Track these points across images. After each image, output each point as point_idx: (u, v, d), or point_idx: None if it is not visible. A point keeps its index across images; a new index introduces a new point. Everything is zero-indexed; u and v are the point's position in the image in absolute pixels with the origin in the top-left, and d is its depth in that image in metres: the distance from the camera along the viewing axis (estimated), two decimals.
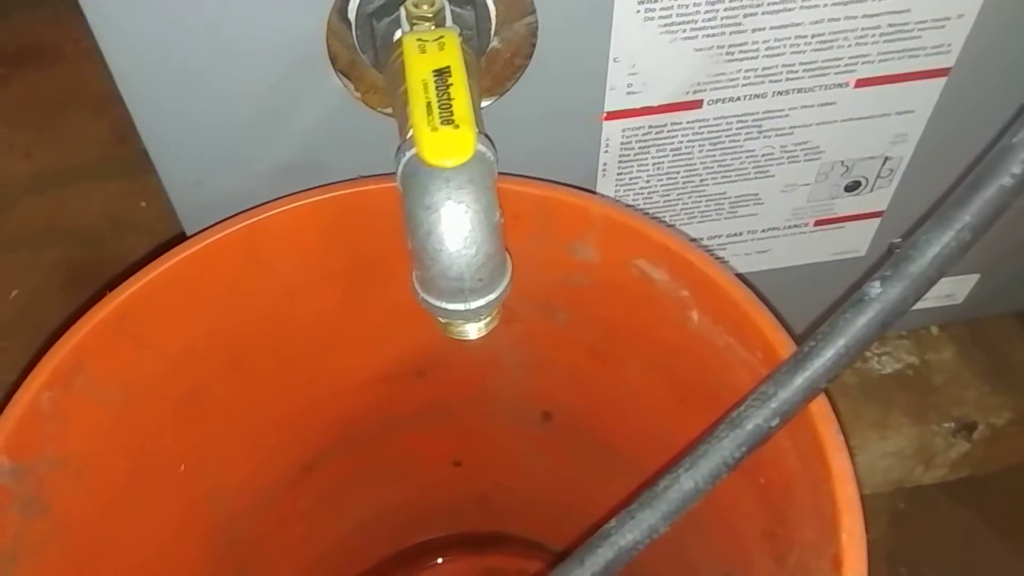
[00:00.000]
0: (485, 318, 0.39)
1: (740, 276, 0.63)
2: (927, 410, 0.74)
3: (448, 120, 0.32)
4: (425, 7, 0.39)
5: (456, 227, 0.36)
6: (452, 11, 0.42)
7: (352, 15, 0.43)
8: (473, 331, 0.40)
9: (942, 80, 0.54)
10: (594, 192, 0.47)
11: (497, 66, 0.48)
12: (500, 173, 0.45)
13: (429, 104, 0.32)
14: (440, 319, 0.39)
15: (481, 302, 0.38)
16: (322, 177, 0.47)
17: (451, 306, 0.38)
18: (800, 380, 0.36)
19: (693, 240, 0.44)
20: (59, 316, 0.47)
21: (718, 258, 0.63)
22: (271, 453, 0.53)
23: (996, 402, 0.74)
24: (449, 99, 0.33)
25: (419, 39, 0.35)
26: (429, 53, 0.34)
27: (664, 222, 0.58)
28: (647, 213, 0.58)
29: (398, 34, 0.41)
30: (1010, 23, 0.51)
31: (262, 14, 0.42)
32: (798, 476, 0.41)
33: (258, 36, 0.43)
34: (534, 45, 0.46)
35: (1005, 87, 0.55)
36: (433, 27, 0.38)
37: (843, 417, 0.73)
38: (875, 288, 0.35)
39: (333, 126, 0.48)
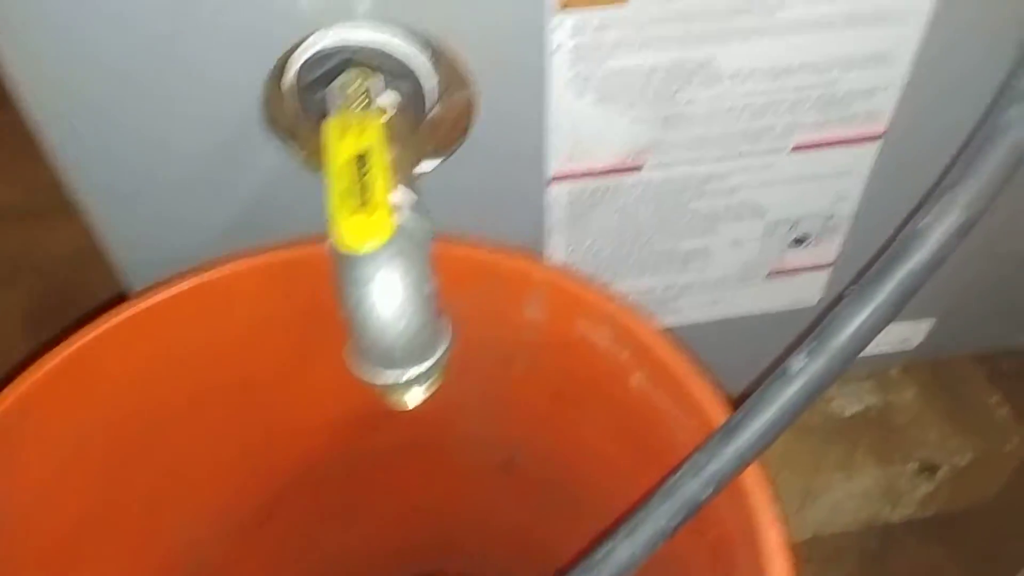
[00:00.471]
0: (422, 385, 0.41)
1: (694, 327, 0.65)
2: (891, 451, 0.75)
3: (365, 204, 0.35)
4: (354, 86, 0.42)
5: (385, 300, 0.38)
6: (388, 83, 0.45)
7: (292, 82, 0.46)
8: (411, 400, 0.42)
9: (876, 143, 0.56)
10: (538, 254, 0.49)
11: (442, 130, 0.51)
12: (445, 235, 0.48)
13: (346, 190, 0.35)
14: (376, 389, 0.41)
15: (414, 373, 0.40)
16: (270, 233, 0.49)
17: (383, 378, 0.40)
18: (730, 451, 0.38)
19: (635, 303, 0.45)
20: (21, 354, 0.49)
21: (668, 310, 0.65)
22: (230, 496, 0.55)
23: (957, 443, 0.76)
24: (366, 183, 0.35)
25: (341, 122, 0.38)
26: (350, 137, 0.37)
27: (606, 285, 0.60)
28: (598, 268, 0.61)
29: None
30: (936, 92, 0.53)
31: (204, 74, 0.44)
32: (738, 541, 0.43)
33: (200, 96, 0.45)
34: (474, 113, 0.49)
35: (938, 145, 0.56)
36: (361, 106, 0.41)
37: (808, 458, 0.75)
38: (799, 362, 0.37)
39: (279, 185, 0.50)
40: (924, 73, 0.52)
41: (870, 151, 0.56)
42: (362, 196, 0.34)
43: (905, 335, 0.74)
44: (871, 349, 0.78)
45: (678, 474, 0.38)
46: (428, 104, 0.48)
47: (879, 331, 0.36)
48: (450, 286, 0.49)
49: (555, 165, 0.53)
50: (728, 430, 0.37)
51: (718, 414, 0.40)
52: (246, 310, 0.49)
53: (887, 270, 0.35)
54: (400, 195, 0.41)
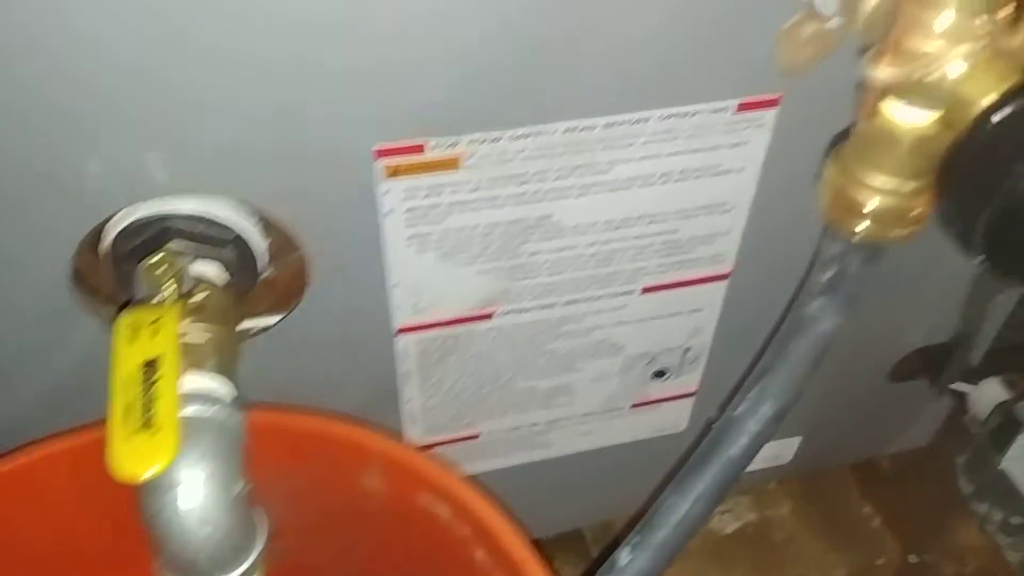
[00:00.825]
0: None
1: (566, 458, 0.64)
2: (768, 570, 0.75)
3: (148, 424, 0.32)
4: (162, 268, 0.40)
5: (187, 507, 0.36)
6: (213, 251, 0.43)
7: (107, 253, 0.43)
8: None
9: (724, 283, 0.56)
10: (373, 424, 0.48)
11: (279, 289, 0.49)
12: (280, 406, 0.46)
13: (129, 406, 0.33)
14: None
15: None
16: (91, 407, 0.46)
17: None
18: None
19: (474, 478, 0.44)
20: None
21: (538, 444, 0.64)
22: None
23: (833, 559, 0.76)
24: (153, 398, 0.33)
25: (132, 323, 0.35)
26: (141, 341, 0.34)
27: (445, 459, 0.59)
28: (459, 410, 0.59)
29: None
30: (776, 230, 0.54)
31: (18, 242, 0.42)
32: None
33: (15, 264, 0.43)
34: (308, 273, 0.47)
35: (785, 277, 0.57)
36: (168, 291, 0.39)
37: None
38: (625, 557, 0.36)
39: (96, 355, 0.48)
40: (763, 215, 0.53)
41: (719, 288, 0.57)
42: (145, 414, 0.32)
43: (775, 452, 0.75)
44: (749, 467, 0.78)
45: None
46: (260, 266, 0.47)
47: (704, 520, 0.36)
48: (285, 459, 0.47)
49: (400, 318, 0.52)
50: None
51: None
52: (57, 498, 0.45)
53: (706, 461, 0.35)
54: (212, 386, 0.39)
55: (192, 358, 0.39)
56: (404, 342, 0.53)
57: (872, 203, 0.28)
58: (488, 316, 0.54)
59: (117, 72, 0.36)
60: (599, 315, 0.56)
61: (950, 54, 0.24)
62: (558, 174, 0.47)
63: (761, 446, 0.35)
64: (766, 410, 0.33)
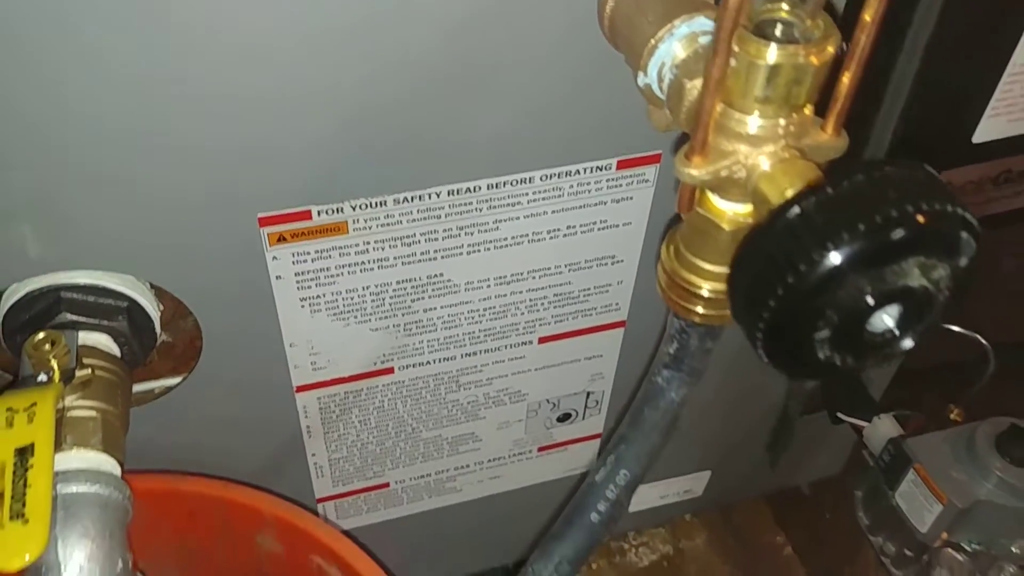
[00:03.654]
0: None
1: (476, 502, 0.65)
2: None
3: (19, 514, 0.33)
4: (46, 347, 0.40)
5: None
6: (99, 329, 0.44)
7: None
8: None
9: (620, 330, 0.58)
10: (268, 490, 0.48)
11: (177, 350, 0.50)
12: (175, 473, 0.46)
13: (1, 495, 0.33)
14: None
15: None
16: None
17: None
18: None
19: (359, 543, 0.45)
20: None
21: (448, 490, 0.65)
22: None
23: None
24: (25, 487, 0.33)
25: (9, 408, 0.36)
26: (16, 427, 0.35)
27: (334, 524, 0.61)
28: (365, 462, 0.60)
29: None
30: None
31: None
32: None
33: None
34: (203, 337, 0.48)
35: None
36: (52, 370, 0.39)
37: None
38: None
39: None
40: (653, 264, 0.54)
41: (617, 335, 0.58)
42: (15, 505, 0.32)
43: (687, 486, 0.76)
44: (660, 500, 0.80)
45: None
46: (156, 331, 0.47)
47: None
48: (184, 522, 0.48)
49: (298, 377, 0.52)
50: None
51: None
52: None
53: (567, 527, 0.36)
54: (96, 463, 0.39)
55: (78, 435, 0.40)
56: (304, 399, 0.54)
57: (704, 289, 0.29)
58: (389, 371, 0.54)
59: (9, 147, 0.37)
60: (499, 365, 0.57)
61: (755, 154, 0.26)
62: (446, 234, 0.48)
63: (620, 512, 0.36)
64: (621, 478, 0.35)
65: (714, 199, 0.28)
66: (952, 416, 0.66)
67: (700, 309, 0.30)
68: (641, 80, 0.30)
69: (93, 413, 0.40)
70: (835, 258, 0.21)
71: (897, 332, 0.23)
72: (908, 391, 0.74)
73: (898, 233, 0.21)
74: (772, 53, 0.24)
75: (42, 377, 0.39)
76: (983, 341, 0.62)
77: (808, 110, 0.26)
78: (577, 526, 0.36)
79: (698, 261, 0.29)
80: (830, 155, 0.27)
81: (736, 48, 0.24)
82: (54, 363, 0.39)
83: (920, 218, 0.21)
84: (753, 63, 0.24)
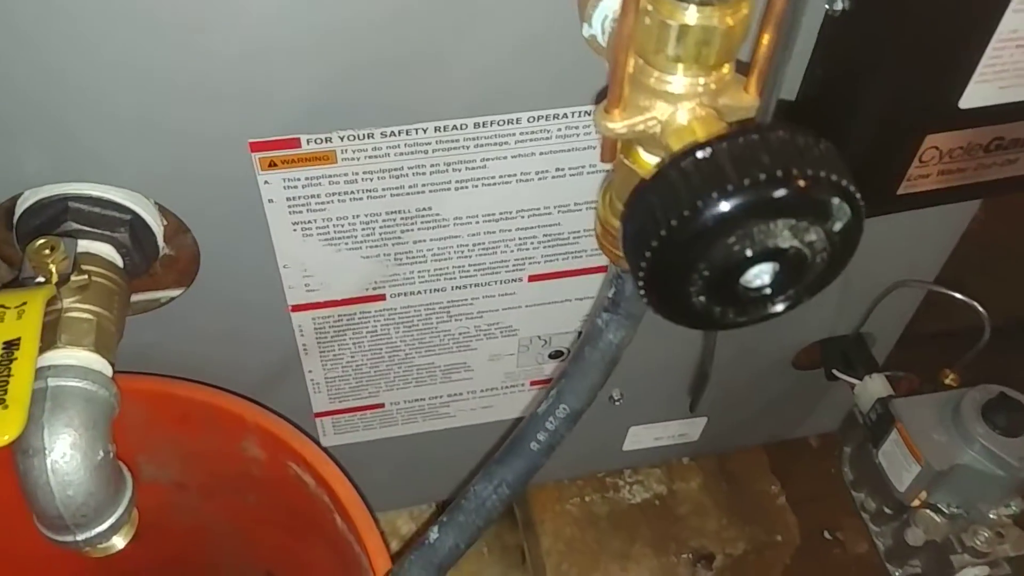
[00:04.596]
0: (105, 543, 0.43)
1: (468, 428, 0.67)
2: (668, 541, 0.79)
3: (0, 400, 0.36)
4: (46, 252, 0.43)
5: (49, 471, 0.39)
6: (103, 239, 0.47)
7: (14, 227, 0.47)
8: (104, 552, 0.43)
9: None
10: (253, 400, 0.51)
11: (179, 264, 0.52)
12: (170, 378, 0.49)
13: None
14: None
15: (89, 535, 0.41)
16: None
17: (60, 539, 0.41)
18: None
19: (328, 453, 0.48)
20: None
21: (441, 415, 0.68)
22: None
23: (733, 533, 0.79)
24: (8, 376, 0.36)
25: (1, 306, 0.39)
26: (6, 322, 0.38)
27: (331, 438, 0.63)
28: (360, 382, 0.63)
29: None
30: None
31: None
32: None
33: None
34: (201, 253, 0.51)
35: None
36: (47, 274, 0.42)
37: (589, 548, 0.78)
38: (433, 534, 0.40)
39: None
40: None
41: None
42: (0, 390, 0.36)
43: (683, 430, 0.78)
44: (656, 442, 0.82)
45: None
46: (159, 242, 0.50)
47: (507, 503, 0.39)
48: (178, 422, 0.51)
49: (292, 297, 0.55)
50: None
51: (382, 571, 0.43)
52: None
53: (510, 452, 0.38)
54: (87, 363, 0.42)
55: (72, 334, 0.43)
56: (299, 319, 0.57)
57: None
58: (381, 298, 0.57)
59: (20, 69, 0.39)
60: (489, 300, 0.59)
61: (671, 111, 0.27)
62: (433, 169, 0.49)
63: (558, 442, 0.38)
64: (561, 412, 0.37)
65: (640, 151, 0.29)
66: (947, 381, 0.66)
67: None
68: (586, 31, 0.31)
69: (88, 316, 0.44)
70: (708, 214, 0.22)
71: (771, 291, 0.24)
72: (913, 354, 0.74)
73: (766, 193, 0.22)
74: (684, 13, 0.25)
75: (39, 279, 0.43)
76: (980, 309, 0.61)
77: (727, 69, 0.27)
78: (517, 453, 0.38)
79: None
80: (748, 115, 0.28)
81: (650, 7, 0.25)
82: (52, 267, 0.42)
83: (790, 181, 0.22)
84: (664, 23, 0.25)
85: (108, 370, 0.44)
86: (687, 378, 0.70)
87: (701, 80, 0.27)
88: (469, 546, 0.39)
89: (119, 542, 0.44)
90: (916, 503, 0.63)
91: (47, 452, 0.40)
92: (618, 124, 0.27)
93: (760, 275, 0.24)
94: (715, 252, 0.23)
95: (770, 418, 0.80)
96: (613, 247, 0.32)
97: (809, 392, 0.78)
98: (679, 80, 0.27)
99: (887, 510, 0.66)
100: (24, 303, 0.39)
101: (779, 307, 0.24)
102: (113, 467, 0.43)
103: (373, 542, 0.44)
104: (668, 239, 0.23)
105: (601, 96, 0.32)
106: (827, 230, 0.23)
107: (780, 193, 0.22)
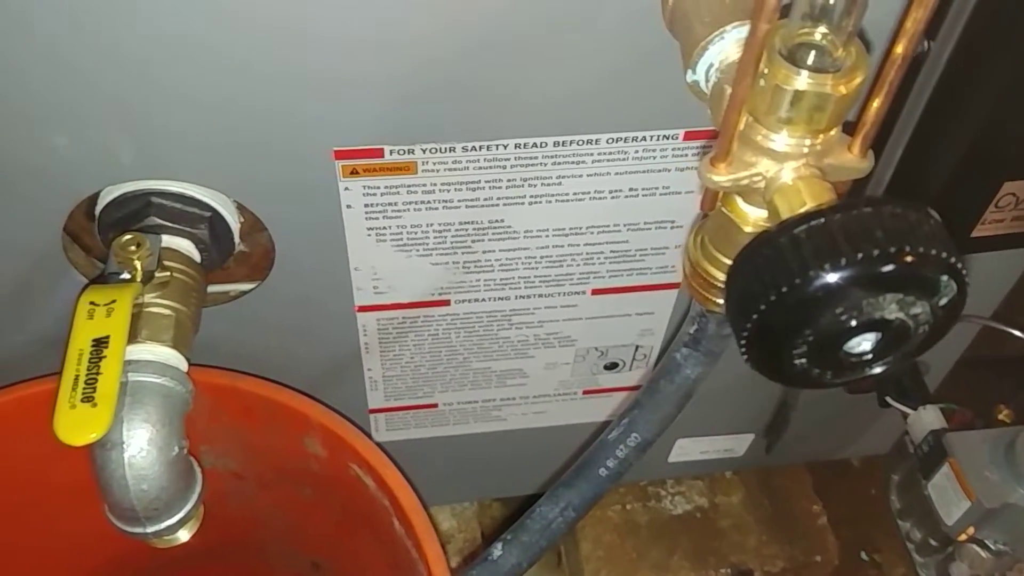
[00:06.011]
0: (172, 535, 0.44)
1: (518, 432, 0.68)
2: (707, 555, 0.79)
3: (89, 398, 0.37)
4: (132, 248, 0.44)
5: (126, 465, 0.41)
6: (183, 234, 0.48)
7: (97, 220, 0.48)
8: (169, 544, 0.45)
9: (674, 291, 0.59)
10: (315, 399, 0.52)
11: (252, 260, 0.54)
12: (236, 373, 0.51)
13: (76, 378, 0.37)
14: None
15: (159, 527, 0.43)
16: None
17: (130, 530, 0.42)
18: None
19: (391, 459, 0.49)
20: None
21: (493, 418, 0.69)
22: None
23: (772, 551, 0.80)
24: (97, 373, 0.37)
25: (91, 301, 0.40)
26: (96, 319, 0.39)
27: (384, 434, 0.64)
28: (417, 382, 0.64)
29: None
30: None
31: (8, 206, 0.47)
32: None
33: (7, 224, 0.48)
34: (275, 251, 0.52)
35: None
36: (132, 271, 0.43)
37: (628, 556, 0.78)
38: (496, 551, 0.41)
39: None
40: None
41: (669, 296, 0.60)
42: (86, 389, 0.37)
43: (729, 445, 0.78)
44: (701, 456, 0.82)
45: None
46: (234, 241, 0.51)
47: (571, 525, 0.40)
48: (241, 416, 0.52)
49: (360, 298, 0.56)
50: None
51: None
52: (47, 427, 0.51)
53: (577, 477, 0.39)
54: (165, 357, 0.43)
55: (152, 330, 0.44)
56: (364, 319, 0.58)
57: (723, 281, 0.31)
58: (446, 303, 0.58)
59: (109, 65, 0.40)
60: (551, 310, 0.59)
61: (777, 168, 0.27)
62: (510, 184, 0.50)
63: (626, 470, 0.38)
64: (632, 440, 0.37)
65: (739, 201, 0.29)
66: (1000, 416, 0.65)
67: (719, 299, 0.32)
68: (690, 76, 0.32)
69: (168, 312, 0.45)
70: (818, 284, 0.23)
71: (871, 356, 0.24)
72: (966, 381, 0.74)
73: (881, 269, 0.22)
74: (798, 80, 0.25)
75: (125, 275, 0.44)
76: None
77: (835, 131, 0.27)
78: (585, 478, 0.39)
79: (720, 255, 0.31)
80: (853, 175, 0.28)
81: (765, 70, 0.25)
82: (137, 263, 0.44)
83: (902, 257, 0.22)
84: (779, 87, 0.25)
85: (184, 366, 0.45)
86: (741, 395, 0.70)
87: (808, 141, 0.27)
88: (531, 565, 0.40)
89: (184, 535, 0.46)
90: (963, 537, 0.63)
91: (125, 446, 0.41)
92: (723, 178, 0.27)
93: (862, 342, 0.24)
94: (822, 320, 0.23)
95: (817, 439, 0.80)
96: (701, 288, 0.32)
97: (858, 415, 0.78)
98: (787, 140, 0.27)
99: (932, 542, 0.65)
100: (113, 301, 0.40)
101: (876, 371, 0.25)
102: (185, 462, 0.44)
103: (433, 551, 0.45)
104: (777, 304, 0.23)
105: (705, 148, 0.33)
106: (933, 304, 0.23)
107: (891, 269, 0.22)
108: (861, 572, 0.83)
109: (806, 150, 0.27)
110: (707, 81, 0.31)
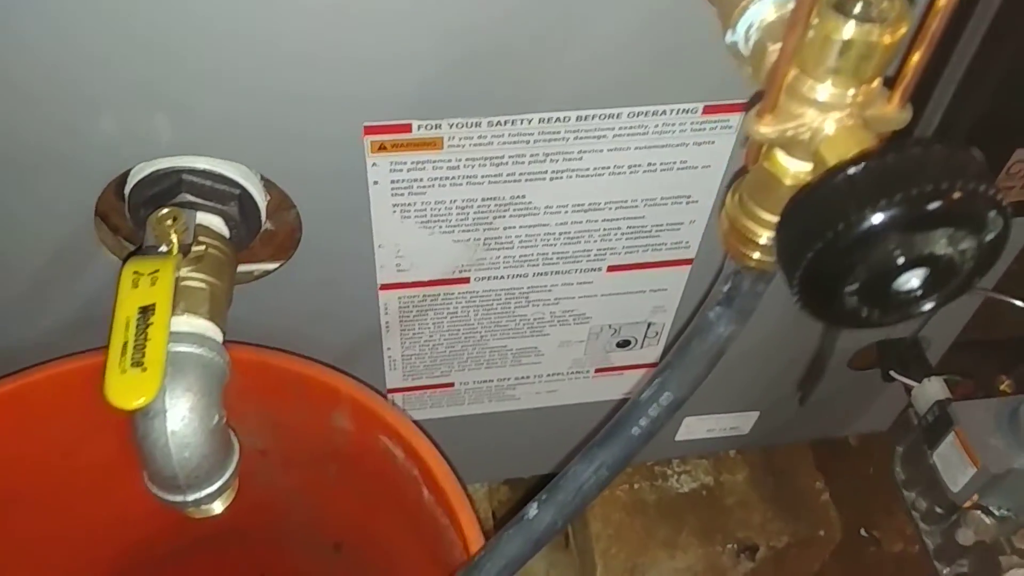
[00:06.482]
0: (211, 504, 0.45)
1: (531, 411, 0.69)
2: (714, 532, 0.81)
3: (138, 363, 0.38)
4: (168, 222, 0.45)
5: (168, 433, 0.41)
6: (213, 211, 0.49)
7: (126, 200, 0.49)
8: (206, 513, 0.45)
9: (687, 267, 0.61)
10: (346, 373, 0.53)
11: (277, 239, 0.55)
12: (264, 348, 0.51)
13: (125, 345, 0.38)
14: None
15: (199, 495, 0.43)
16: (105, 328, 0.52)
17: (171, 499, 0.43)
18: None
19: (421, 428, 0.50)
20: None
21: (507, 397, 0.70)
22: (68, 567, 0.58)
23: (777, 527, 0.81)
24: (145, 340, 0.38)
25: (135, 271, 0.41)
26: (140, 288, 0.40)
27: (415, 404, 0.65)
28: (435, 361, 0.65)
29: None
30: None
31: (41, 185, 0.47)
32: None
33: (36, 204, 0.48)
34: (302, 230, 0.53)
35: None
36: (169, 244, 0.44)
37: (637, 534, 0.80)
38: (532, 511, 0.42)
39: (113, 287, 0.53)
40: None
41: (683, 272, 0.61)
42: (135, 355, 0.38)
43: (734, 423, 0.80)
44: (707, 434, 0.83)
45: None
46: (261, 219, 0.52)
47: (603, 486, 0.41)
48: (269, 392, 0.53)
49: (383, 276, 0.57)
50: (470, 569, 0.41)
51: (475, 542, 0.45)
52: (70, 412, 0.51)
53: (611, 437, 0.40)
54: (203, 329, 0.44)
55: (189, 303, 0.45)
56: (386, 297, 0.58)
57: (762, 237, 0.32)
58: (465, 280, 0.59)
59: (137, 45, 0.41)
60: (567, 287, 0.61)
61: (821, 119, 0.28)
62: (532, 159, 0.51)
63: (659, 429, 0.39)
64: (664, 399, 0.38)
65: (779, 155, 0.31)
66: (1002, 387, 0.68)
67: (755, 255, 0.33)
68: (729, 37, 0.33)
69: (203, 285, 0.46)
70: (872, 221, 0.24)
71: (920, 293, 0.25)
72: (963, 360, 0.76)
73: (932, 206, 0.24)
74: (848, 30, 0.27)
75: (163, 248, 0.45)
76: None
77: (876, 83, 0.29)
78: (618, 438, 0.40)
79: (759, 210, 0.32)
80: (892, 126, 0.29)
81: (815, 21, 0.27)
82: (174, 237, 0.44)
83: (953, 194, 0.24)
84: (828, 37, 0.27)
85: (220, 337, 0.46)
86: (747, 372, 0.71)
87: (851, 91, 0.28)
88: (566, 524, 0.41)
89: (218, 507, 0.46)
90: (968, 504, 0.64)
91: (168, 415, 0.42)
92: (770, 129, 0.29)
93: (912, 279, 0.25)
94: (876, 257, 0.24)
95: (820, 416, 0.82)
96: (738, 243, 0.34)
97: (859, 392, 0.80)
98: (832, 90, 0.28)
99: (938, 510, 0.67)
100: (157, 271, 0.41)
101: (924, 307, 0.26)
102: (224, 432, 0.45)
103: (466, 515, 0.46)
104: (832, 243, 0.24)
105: (752, 102, 0.34)
106: (979, 240, 0.25)
107: (942, 205, 0.24)
108: (861, 548, 0.85)
109: (848, 100, 0.28)
110: (747, 41, 0.32)
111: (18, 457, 0.52)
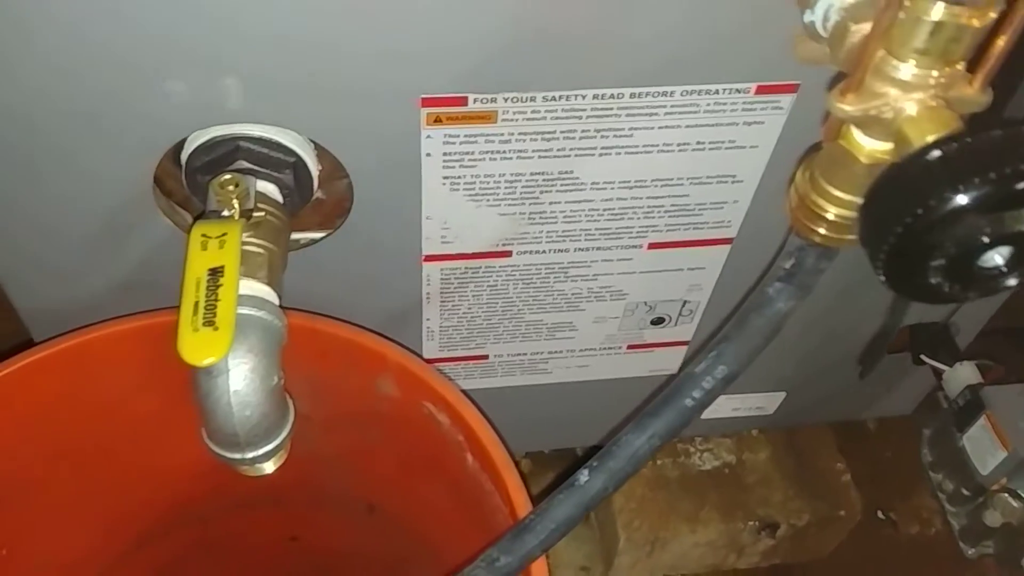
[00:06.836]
0: (267, 462, 0.46)
1: (563, 385, 0.70)
2: (735, 508, 0.82)
3: (210, 322, 0.39)
4: (231, 187, 0.46)
5: (231, 392, 0.42)
6: (269, 179, 0.49)
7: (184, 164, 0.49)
8: (259, 472, 0.46)
9: (727, 247, 0.61)
10: (391, 340, 0.54)
11: (326, 208, 0.55)
12: (313, 314, 0.52)
13: (197, 304, 0.39)
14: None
15: (257, 453, 0.44)
16: (158, 295, 0.52)
17: (230, 455, 0.44)
18: (520, 548, 0.43)
19: (466, 395, 0.51)
20: None
21: (539, 371, 0.71)
22: (102, 533, 0.59)
23: (798, 505, 0.82)
24: (215, 300, 0.39)
25: (203, 234, 0.41)
26: (209, 251, 0.41)
27: (449, 376, 0.66)
28: (471, 333, 0.65)
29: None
30: (778, 205, 0.58)
31: (102, 150, 0.48)
32: None
33: (96, 168, 0.49)
34: (352, 198, 0.53)
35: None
36: (232, 209, 0.44)
37: (659, 508, 0.81)
38: (583, 476, 0.43)
39: (167, 251, 0.54)
40: (771, 189, 0.57)
41: (722, 251, 0.62)
42: (207, 314, 0.38)
43: (760, 403, 0.81)
44: (731, 413, 0.84)
45: (472, 565, 0.43)
46: (313, 187, 0.52)
47: (653, 454, 0.42)
48: (316, 358, 0.54)
49: (428, 247, 0.57)
50: (518, 531, 0.42)
51: (521, 508, 0.46)
52: (120, 369, 0.52)
53: (663, 407, 0.40)
54: (263, 293, 0.45)
55: (248, 267, 0.45)
56: (429, 269, 0.59)
57: (831, 213, 0.33)
58: (507, 254, 0.59)
59: (202, 10, 0.42)
60: (607, 264, 0.61)
61: (904, 98, 0.29)
62: (583, 135, 0.52)
63: (711, 401, 0.40)
64: (719, 372, 0.39)
65: (856, 134, 0.31)
66: None
67: (822, 230, 0.34)
68: (807, 17, 0.33)
69: (261, 250, 0.46)
70: (962, 200, 0.25)
71: (1005, 270, 0.26)
72: (991, 346, 0.77)
73: (1021, 185, 0.24)
74: (938, 11, 0.27)
75: (225, 212, 0.45)
76: None
77: (960, 65, 0.29)
78: (672, 407, 0.40)
79: (830, 187, 0.33)
80: (972, 108, 0.30)
81: (906, 2, 0.27)
82: (235, 202, 0.45)
83: None
84: (919, 18, 0.27)
85: (278, 301, 0.47)
86: (777, 353, 0.72)
87: (935, 72, 0.29)
88: (615, 490, 0.42)
89: (271, 467, 0.47)
90: (996, 487, 0.66)
91: (230, 374, 0.42)
92: (852, 107, 0.29)
93: (996, 256, 0.26)
94: (963, 235, 0.25)
95: (844, 398, 0.82)
96: (807, 219, 0.34)
97: (885, 375, 0.80)
98: (917, 71, 0.29)
99: (965, 492, 0.68)
100: (224, 233, 0.41)
101: (1009, 283, 0.27)
102: (281, 393, 0.46)
103: (512, 480, 0.47)
104: (920, 219, 0.25)
105: (834, 81, 0.34)
106: None
107: None
108: (878, 529, 0.86)
109: (932, 82, 0.29)
110: (825, 21, 0.32)
111: (71, 412, 0.53)
